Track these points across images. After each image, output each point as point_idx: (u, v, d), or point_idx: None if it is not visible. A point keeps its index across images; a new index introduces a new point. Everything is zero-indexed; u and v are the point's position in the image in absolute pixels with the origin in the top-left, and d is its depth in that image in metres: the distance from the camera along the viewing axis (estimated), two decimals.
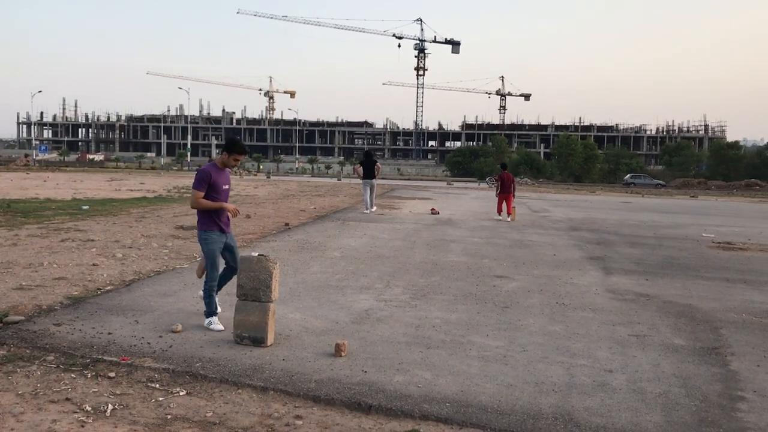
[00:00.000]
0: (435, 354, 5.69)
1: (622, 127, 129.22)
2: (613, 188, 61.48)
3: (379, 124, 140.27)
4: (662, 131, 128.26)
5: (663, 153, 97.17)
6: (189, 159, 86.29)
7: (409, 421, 4.31)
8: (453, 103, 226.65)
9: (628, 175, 73.85)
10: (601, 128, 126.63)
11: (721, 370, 5.56)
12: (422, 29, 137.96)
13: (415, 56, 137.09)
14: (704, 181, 71.12)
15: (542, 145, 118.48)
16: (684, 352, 6.06)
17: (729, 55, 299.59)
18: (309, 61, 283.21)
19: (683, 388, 5.06)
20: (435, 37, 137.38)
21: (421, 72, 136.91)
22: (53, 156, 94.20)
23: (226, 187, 6.39)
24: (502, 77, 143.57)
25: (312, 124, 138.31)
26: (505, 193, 20.13)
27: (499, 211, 20.37)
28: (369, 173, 20.98)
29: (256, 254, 5.80)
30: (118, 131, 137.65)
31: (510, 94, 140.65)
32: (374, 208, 21.25)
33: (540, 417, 4.39)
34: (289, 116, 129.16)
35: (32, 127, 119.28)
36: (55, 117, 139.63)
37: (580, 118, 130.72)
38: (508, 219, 19.68)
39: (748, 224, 21.81)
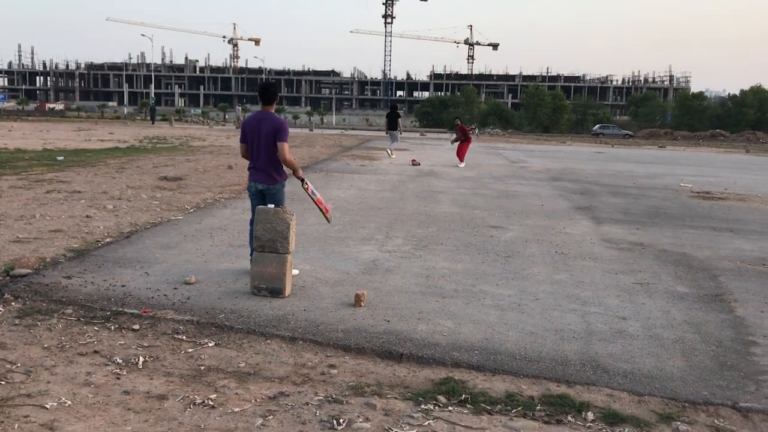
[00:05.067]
0: (451, 303, 5.77)
1: (588, 78, 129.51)
2: (582, 139, 61.91)
3: (346, 74, 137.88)
4: (628, 82, 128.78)
5: (629, 104, 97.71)
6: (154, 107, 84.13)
7: (442, 368, 4.38)
8: (421, 52, 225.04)
9: (597, 125, 74.16)
10: (567, 78, 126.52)
11: (729, 316, 5.74)
12: None
13: (383, 3, 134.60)
14: (671, 132, 71.91)
15: (510, 95, 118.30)
16: (689, 299, 6.24)
17: (693, 4, 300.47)
18: (274, 8, 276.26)
19: (697, 334, 5.22)
20: None
21: (389, 20, 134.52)
22: (11, 105, 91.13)
23: None
24: (471, 26, 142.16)
25: (278, 72, 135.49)
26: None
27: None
28: (392, 125, 23.78)
29: (272, 206, 5.76)
30: (77, 80, 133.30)
31: (478, 44, 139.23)
32: (394, 155, 23.48)
33: (568, 363, 4.50)
34: (254, 64, 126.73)
35: None
36: (10, 64, 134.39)
37: (547, 69, 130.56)
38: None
39: (721, 174, 22.25)
